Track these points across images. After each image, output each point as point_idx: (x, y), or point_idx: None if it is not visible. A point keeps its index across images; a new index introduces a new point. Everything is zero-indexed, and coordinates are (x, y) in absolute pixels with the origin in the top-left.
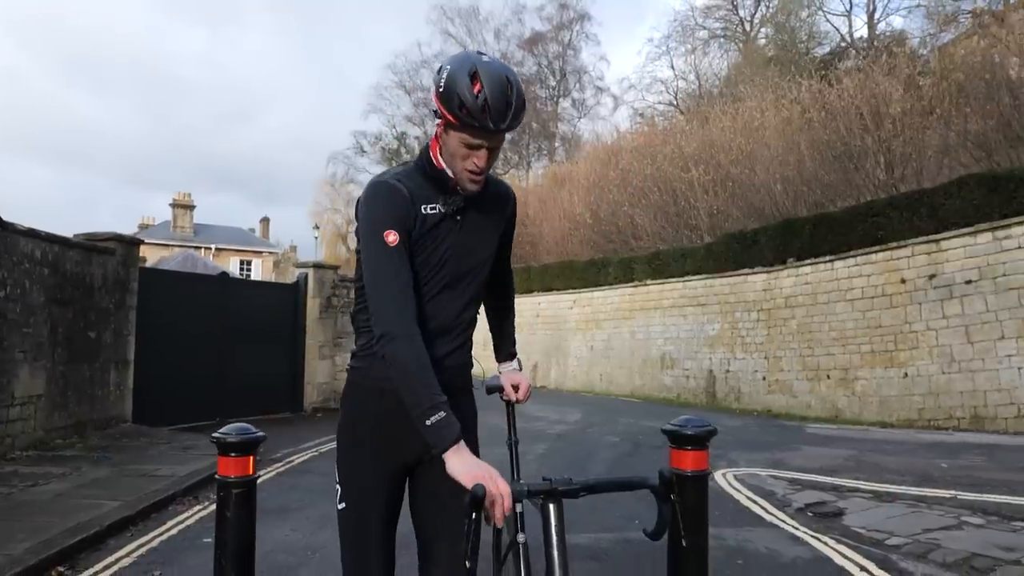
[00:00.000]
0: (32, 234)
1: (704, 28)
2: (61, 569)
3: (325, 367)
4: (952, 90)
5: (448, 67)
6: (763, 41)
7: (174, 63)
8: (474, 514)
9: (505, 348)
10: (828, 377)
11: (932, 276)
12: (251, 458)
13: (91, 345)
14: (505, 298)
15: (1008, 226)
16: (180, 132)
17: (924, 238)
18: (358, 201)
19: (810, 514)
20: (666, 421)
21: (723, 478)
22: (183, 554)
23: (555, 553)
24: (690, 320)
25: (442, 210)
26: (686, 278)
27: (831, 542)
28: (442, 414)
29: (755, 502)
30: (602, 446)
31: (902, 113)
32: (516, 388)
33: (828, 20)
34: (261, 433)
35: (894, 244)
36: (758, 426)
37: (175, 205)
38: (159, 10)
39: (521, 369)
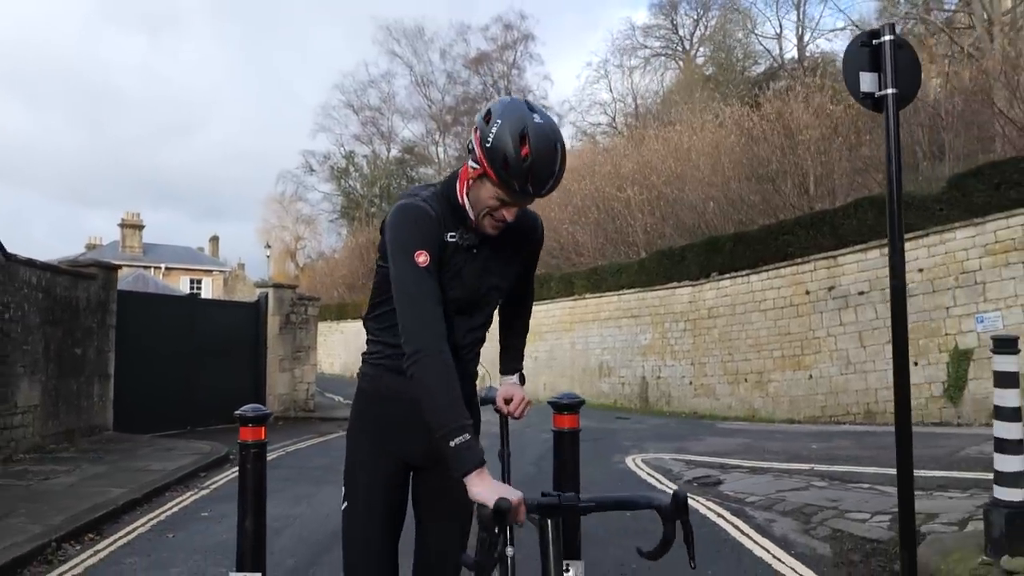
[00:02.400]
0: (30, 263)
1: (645, 47)
2: (92, 535)
3: (285, 379)
4: (857, 117)
5: (499, 121)
6: (702, 60)
7: (111, 73)
8: (495, 529)
9: (509, 362)
10: (746, 380)
11: (831, 288)
12: (263, 428)
13: (77, 361)
14: (520, 315)
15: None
16: (118, 146)
17: (824, 254)
18: (384, 221)
19: (695, 484)
20: (594, 422)
21: (632, 461)
22: (187, 523)
23: (552, 569)
24: (625, 331)
25: (460, 241)
26: (621, 292)
27: (703, 501)
28: (467, 436)
29: (653, 476)
30: (536, 441)
31: (813, 139)
32: (509, 401)
33: (760, 42)
34: (269, 411)
35: (799, 260)
36: (677, 424)
37: (124, 225)
38: (95, 16)
39: (523, 384)
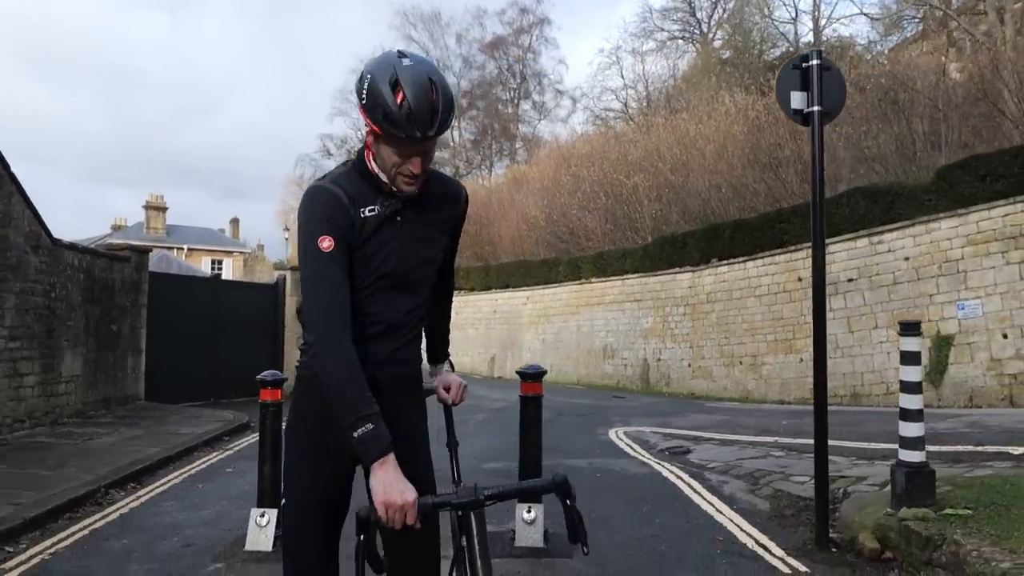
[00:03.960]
0: (72, 247)
1: (662, 30)
2: (133, 484)
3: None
4: (865, 105)
5: (369, 76)
6: (719, 43)
7: (133, 54)
8: (362, 536)
9: (439, 350)
10: (741, 363)
11: None
12: (280, 390)
13: (113, 336)
14: (444, 299)
15: (880, 232)
16: (141, 126)
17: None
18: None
19: (667, 453)
20: (592, 400)
21: (614, 434)
22: (214, 476)
23: (478, 560)
24: (628, 314)
25: (380, 211)
26: (625, 276)
27: (668, 466)
28: (369, 426)
29: (630, 446)
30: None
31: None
32: (448, 388)
33: (776, 27)
34: (285, 375)
35: (792, 247)
36: (668, 403)
37: (148, 207)
38: None
39: (453, 370)
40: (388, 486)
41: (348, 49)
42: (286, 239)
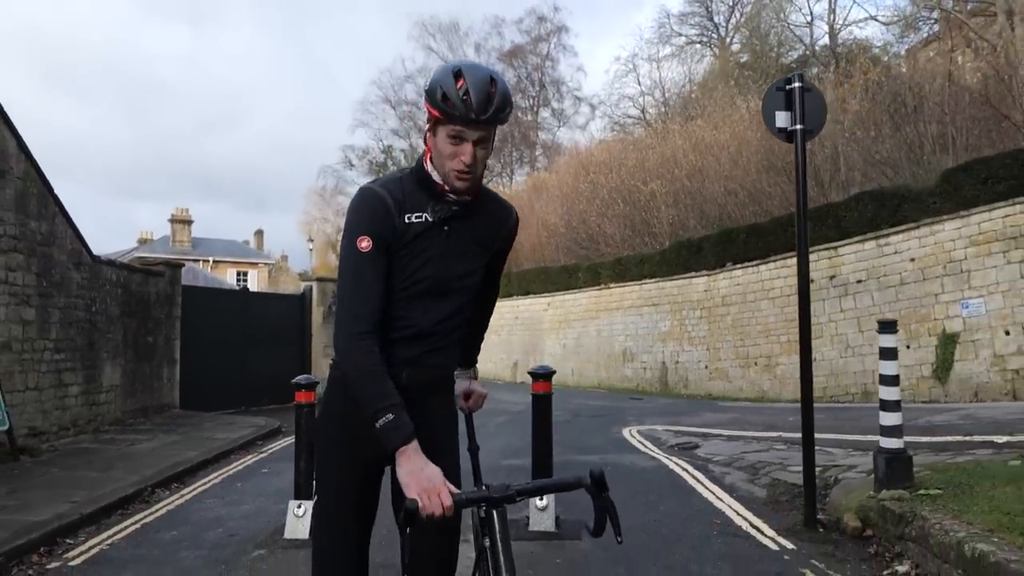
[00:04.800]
0: (110, 263)
1: (680, 35)
2: (176, 484)
3: (328, 364)
4: (875, 110)
5: (436, 70)
6: (737, 47)
7: (154, 66)
8: (408, 528)
9: (468, 356)
10: (756, 364)
11: (832, 277)
12: (313, 393)
13: (149, 347)
14: (484, 310)
15: (887, 235)
16: (163, 139)
17: (825, 245)
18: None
19: (676, 448)
20: (609, 402)
21: (628, 432)
22: (251, 476)
23: (501, 558)
24: (646, 318)
25: (429, 219)
26: (643, 281)
27: (675, 460)
28: (390, 416)
29: (642, 443)
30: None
31: (827, 133)
32: (468, 396)
33: (791, 31)
34: (317, 378)
35: None
36: (684, 403)
37: (174, 220)
38: (136, 8)
39: (476, 378)
40: (414, 473)
41: (368, 60)
42: (310, 249)
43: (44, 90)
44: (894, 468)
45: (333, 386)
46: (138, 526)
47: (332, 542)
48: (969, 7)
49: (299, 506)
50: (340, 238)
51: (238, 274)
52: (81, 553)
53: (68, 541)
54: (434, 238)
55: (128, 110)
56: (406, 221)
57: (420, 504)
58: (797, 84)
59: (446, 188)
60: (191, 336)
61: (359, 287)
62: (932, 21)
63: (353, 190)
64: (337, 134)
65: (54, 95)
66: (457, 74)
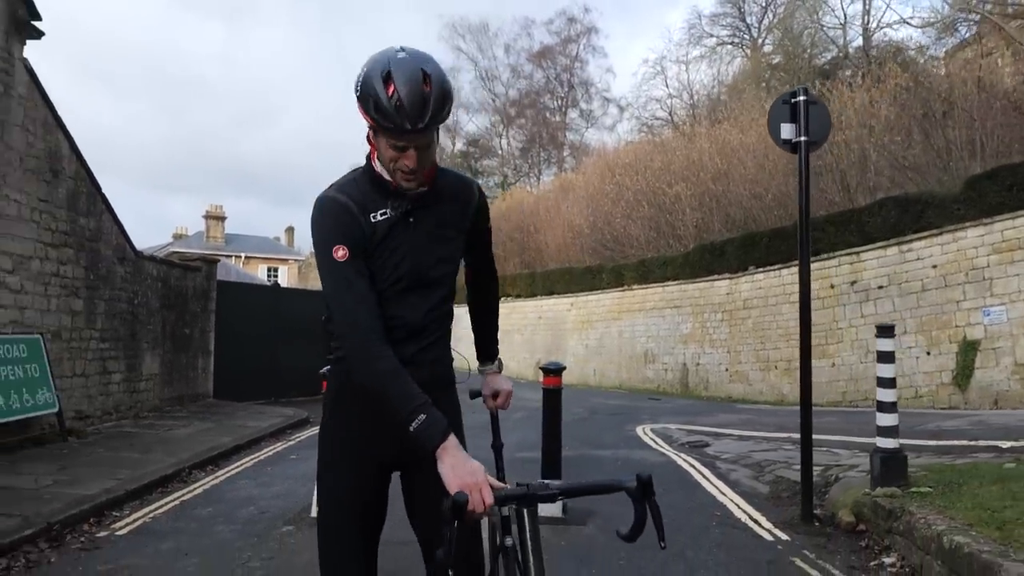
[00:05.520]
0: (152, 258)
1: (712, 35)
2: (211, 467)
3: None
4: (904, 116)
5: (364, 70)
6: (769, 48)
7: (191, 62)
8: (457, 521)
9: (486, 349)
10: (776, 368)
11: (854, 282)
12: None
13: (186, 339)
14: (486, 296)
15: (910, 241)
16: (199, 135)
17: (847, 250)
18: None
19: (686, 446)
20: (627, 402)
21: (641, 430)
22: (280, 462)
23: (531, 556)
24: (668, 320)
25: (391, 214)
26: (665, 283)
27: (685, 456)
28: (423, 416)
29: (654, 440)
30: (566, 414)
31: (853, 137)
32: (496, 395)
33: (824, 32)
34: None
35: (824, 255)
36: (701, 404)
37: (208, 216)
38: (174, 5)
39: (502, 370)
40: (457, 468)
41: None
42: None
43: (83, 86)
44: (889, 467)
45: (333, 393)
46: (177, 503)
47: (336, 555)
48: (1010, 10)
49: None
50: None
51: (269, 270)
52: (126, 524)
53: (115, 514)
54: (402, 232)
55: (165, 106)
56: (372, 220)
57: (467, 498)
58: (802, 98)
59: (395, 188)
60: (225, 329)
61: (352, 294)
62: (971, 23)
63: None
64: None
65: (93, 91)
66: (387, 77)
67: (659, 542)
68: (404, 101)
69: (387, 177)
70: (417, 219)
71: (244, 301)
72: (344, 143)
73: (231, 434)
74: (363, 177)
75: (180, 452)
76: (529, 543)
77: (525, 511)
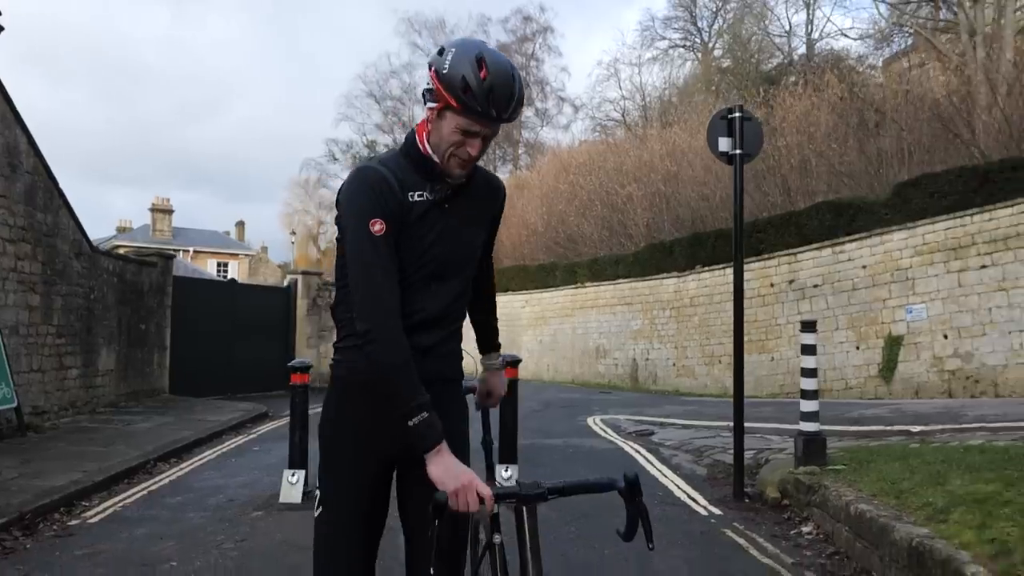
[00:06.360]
0: (108, 254)
1: (664, 38)
2: (174, 459)
3: (311, 354)
4: (841, 124)
5: (453, 49)
6: (719, 52)
7: (133, 47)
8: (437, 520)
9: (489, 339)
10: (720, 362)
11: (791, 281)
12: (307, 375)
13: (142, 334)
14: (489, 290)
15: (842, 243)
16: (144, 124)
17: (786, 251)
18: (340, 189)
19: (633, 435)
20: (580, 395)
21: (591, 420)
22: (244, 454)
23: (529, 555)
24: (619, 317)
25: (429, 197)
26: (617, 281)
27: (631, 444)
28: (424, 415)
29: (603, 430)
30: (521, 408)
31: (793, 145)
32: (490, 395)
33: (771, 40)
34: (311, 361)
35: (765, 256)
36: (649, 397)
37: (154, 209)
38: None
39: (502, 365)
40: (448, 470)
41: (353, 54)
42: (292, 242)
43: (21, 72)
44: (810, 448)
45: (340, 388)
46: (145, 492)
47: (339, 554)
48: (941, 24)
49: (293, 474)
50: (320, 230)
51: (219, 265)
52: (97, 513)
53: (84, 503)
54: (437, 217)
55: (108, 94)
56: (410, 200)
57: (453, 500)
58: (738, 114)
59: (443, 171)
60: (180, 325)
61: (382, 273)
62: (906, 34)
63: (336, 183)
64: (321, 127)
65: (24, 73)
66: (479, 61)
67: (647, 543)
68: (495, 88)
69: (435, 159)
70: (452, 207)
71: (201, 296)
72: (295, 137)
73: (192, 428)
74: (402, 155)
75: (143, 445)
76: (528, 542)
77: (524, 510)
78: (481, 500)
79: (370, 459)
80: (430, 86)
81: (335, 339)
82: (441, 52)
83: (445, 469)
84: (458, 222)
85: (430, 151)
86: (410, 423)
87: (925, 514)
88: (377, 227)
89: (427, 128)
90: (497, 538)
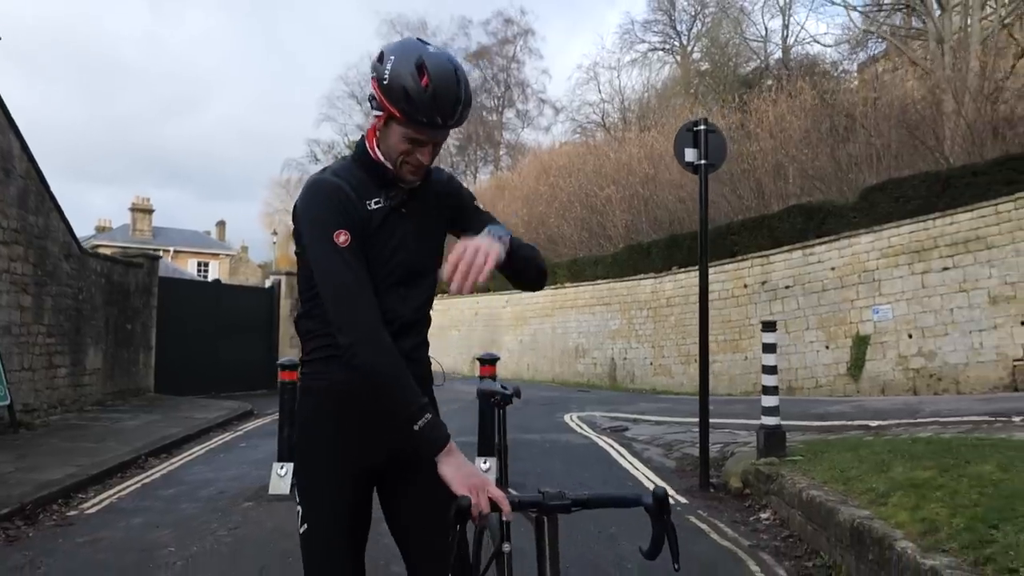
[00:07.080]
0: (96, 255)
1: (644, 41)
2: (164, 455)
3: (295, 354)
4: (813, 130)
5: (392, 57)
6: (698, 56)
7: (114, 44)
8: (459, 526)
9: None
10: (695, 361)
11: (764, 282)
12: (295, 372)
13: (128, 334)
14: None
15: (813, 245)
16: (123, 121)
17: (759, 253)
18: (295, 204)
19: (608, 430)
20: (559, 393)
21: (568, 417)
22: (232, 449)
23: (548, 566)
24: (598, 317)
25: (386, 204)
26: (596, 281)
27: (605, 439)
28: (429, 416)
29: (579, 426)
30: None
31: (767, 149)
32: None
33: (748, 44)
34: (298, 360)
35: (739, 257)
36: (625, 395)
37: (134, 209)
38: None
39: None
40: (460, 469)
41: (335, 55)
42: (274, 242)
43: None
44: (771, 441)
45: (312, 400)
46: (139, 485)
47: (332, 570)
48: (912, 31)
49: (281, 467)
50: (292, 232)
51: (199, 264)
52: (94, 505)
53: (80, 496)
54: (396, 223)
55: (86, 89)
56: (368, 208)
57: (471, 502)
58: (703, 127)
59: (396, 178)
60: (166, 325)
61: (356, 281)
62: (879, 40)
63: None
64: (302, 126)
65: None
66: (420, 67)
67: (673, 564)
68: (438, 94)
69: (388, 166)
70: (409, 211)
71: (186, 297)
72: (274, 135)
73: (179, 425)
74: (354, 163)
75: (134, 441)
76: (548, 553)
77: (545, 520)
78: (493, 505)
79: (350, 471)
80: (373, 94)
81: (302, 353)
82: (381, 58)
83: (457, 468)
84: (418, 225)
85: (382, 158)
86: (415, 427)
87: (868, 498)
88: (342, 238)
89: (376, 135)
90: (506, 547)
